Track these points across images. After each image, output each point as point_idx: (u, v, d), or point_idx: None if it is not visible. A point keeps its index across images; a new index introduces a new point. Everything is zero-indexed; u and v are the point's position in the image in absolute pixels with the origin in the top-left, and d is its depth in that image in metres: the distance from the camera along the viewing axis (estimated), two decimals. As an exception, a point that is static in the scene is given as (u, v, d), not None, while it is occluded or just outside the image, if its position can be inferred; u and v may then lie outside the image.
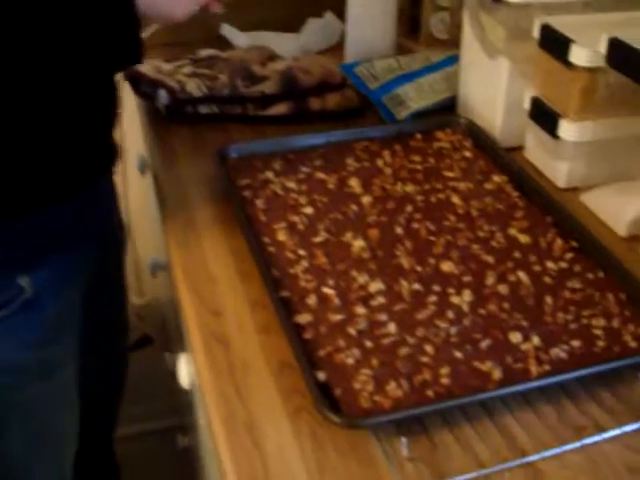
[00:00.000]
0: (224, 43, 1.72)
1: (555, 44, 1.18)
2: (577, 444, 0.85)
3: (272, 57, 1.54)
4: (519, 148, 1.37)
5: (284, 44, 1.69)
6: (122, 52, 1.03)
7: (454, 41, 1.51)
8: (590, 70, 1.14)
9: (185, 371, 1.12)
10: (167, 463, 1.97)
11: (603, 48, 1.09)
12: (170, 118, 1.43)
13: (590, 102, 1.17)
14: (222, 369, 0.94)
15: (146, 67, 1.46)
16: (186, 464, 1.68)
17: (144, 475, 2.04)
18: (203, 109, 1.44)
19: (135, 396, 2.04)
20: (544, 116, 1.24)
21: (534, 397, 0.90)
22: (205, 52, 1.58)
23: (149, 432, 2.24)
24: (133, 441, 2.19)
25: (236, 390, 0.91)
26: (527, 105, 1.28)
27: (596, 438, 0.86)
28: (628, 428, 0.87)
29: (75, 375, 1.19)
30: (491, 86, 1.35)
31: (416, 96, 1.45)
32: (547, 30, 1.20)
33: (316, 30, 1.74)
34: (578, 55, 1.13)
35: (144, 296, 2.15)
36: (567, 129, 1.20)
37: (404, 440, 0.83)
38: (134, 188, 1.94)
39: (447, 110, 1.48)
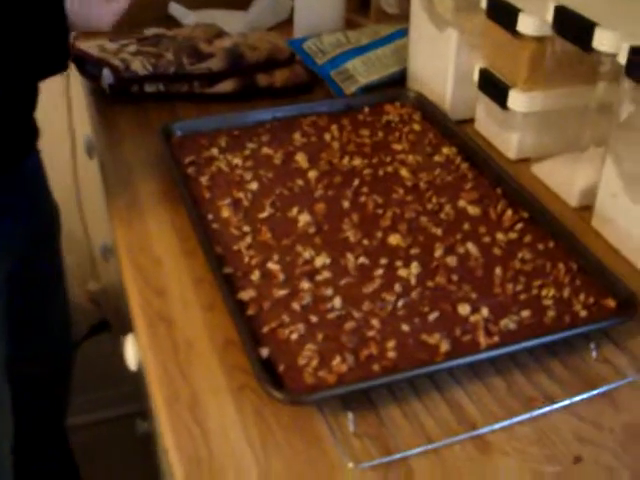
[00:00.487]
0: (172, 22, 1.69)
1: (503, 13, 1.16)
2: (527, 415, 0.84)
3: (219, 34, 1.52)
4: (470, 120, 1.36)
5: (232, 21, 1.66)
6: (49, 60, 1.03)
7: (404, 15, 1.48)
8: (538, 39, 1.13)
9: (132, 352, 1.10)
10: (129, 449, 1.96)
11: (550, 16, 1.07)
12: (115, 97, 1.40)
13: (539, 72, 1.15)
14: (166, 348, 0.92)
15: (90, 46, 1.43)
16: (147, 449, 1.67)
17: (106, 462, 2.02)
18: (149, 88, 1.41)
19: (95, 383, 2.03)
20: (493, 87, 1.23)
21: (483, 369, 0.89)
22: (151, 31, 1.55)
23: (111, 419, 2.22)
24: (95, 428, 2.18)
25: (179, 369, 0.89)
26: (476, 76, 1.26)
27: (546, 409, 0.85)
28: (578, 398, 0.86)
29: (1, 361, 1.16)
30: (440, 58, 1.34)
31: (365, 70, 1.43)
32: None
33: (265, 7, 1.71)
34: (525, 24, 1.12)
35: (100, 281, 2.12)
36: (516, 99, 1.18)
37: (350, 416, 0.81)
38: (85, 172, 1.92)
39: (397, 84, 1.46)
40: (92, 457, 1.89)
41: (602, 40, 1.00)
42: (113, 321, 2.09)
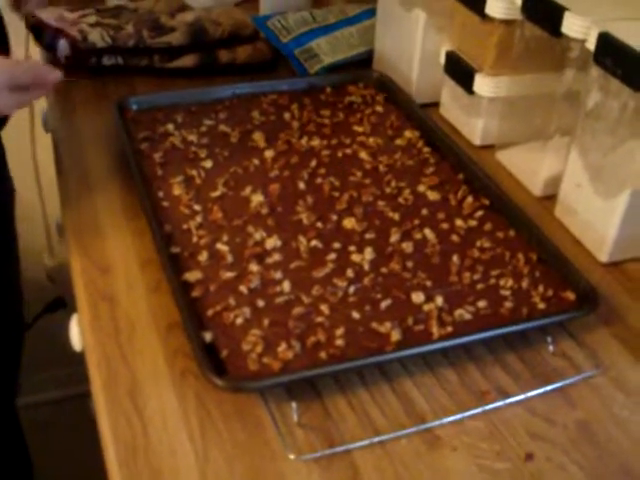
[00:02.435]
0: (136, -6, 1.65)
1: (471, -4, 1.14)
2: (479, 410, 0.81)
3: (182, 8, 1.47)
4: (435, 104, 1.33)
5: (198, -4, 1.62)
6: None
7: (373, -5, 1.45)
8: (506, 23, 1.11)
9: (76, 332, 1.06)
10: (82, 430, 1.92)
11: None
12: (70, 70, 1.35)
13: (506, 56, 1.13)
14: (107, 329, 0.88)
15: (49, 15, 1.39)
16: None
17: (59, 442, 1.98)
18: (107, 60, 1.37)
19: (50, 361, 1.98)
20: (459, 71, 1.20)
21: (435, 361, 0.86)
22: (113, 2, 1.51)
23: (65, 398, 2.18)
24: (48, 407, 2.14)
25: (120, 351, 0.85)
26: (442, 60, 1.23)
27: (499, 403, 0.82)
28: (532, 393, 0.83)
29: None
30: (407, 40, 1.30)
31: (330, 50, 1.40)
32: (463, -19, 1.15)
33: (231, -19, 1.67)
34: (494, 7, 1.09)
35: (56, 257, 2.08)
36: (482, 84, 1.16)
37: (294, 405, 0.78)
38: (44, 147, 1.87)
39: (363, 65, 1.43)
40: (44, 437, 1.85)
41: (571, 25, 0.98)
42: (69, 298, 2.05)
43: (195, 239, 0.96)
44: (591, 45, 0.95)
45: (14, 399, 1.57)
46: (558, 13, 0.99)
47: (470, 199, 1.06)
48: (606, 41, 0.92)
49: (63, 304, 2.07)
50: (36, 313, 2.01)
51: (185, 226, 0.98)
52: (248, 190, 1.04)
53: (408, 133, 1.19)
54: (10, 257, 1.37)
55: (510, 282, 0.93)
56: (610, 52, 0.92)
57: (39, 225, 2.02)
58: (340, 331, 0.84)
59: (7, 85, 0.93)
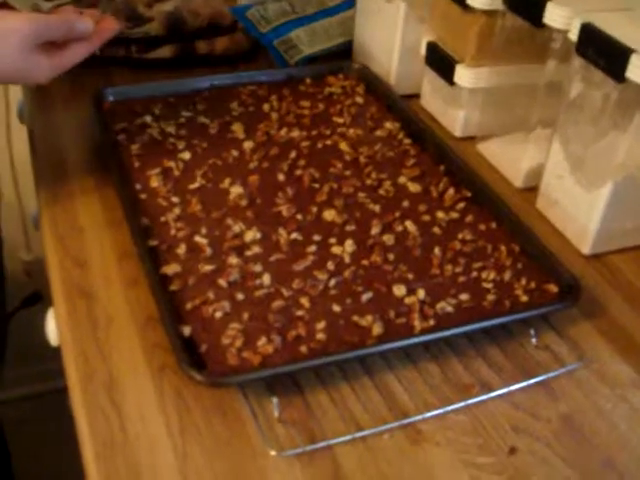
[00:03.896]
0: (113, -15, 1.63)
1: (452, -15, 1.12)
2: (462, 404, 0.80)
3: (160, -2, 1.46)
4: (415, 96, 1.31)
5: (176, -14, 1.60)
6: None
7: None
8: (488, 13, 1.09)
9: (52, 327, 1.04)
10: (62, 425, 1.90)
11: (501, -11, 1.04)
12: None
13: (487, 47, 1.12)
14: (84, 323, 0.86)
15: (23, 4, 1.37)
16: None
17: (39, 438, 1.97)
18: (83, 51, 1.35)
19: (28, 356, 1.97)
20: (440, 62, 1.19)
21: (417, 354, 0.85)
22: (89, -8, 1.49)
23: (44, 393, 2.17)
24: (27, 402, 2.12)
25: (98, 346, 0.84)
26: (423, 50, 1.22)
27: (482, 397, 0.81)
28: (515, 386, 0.83)
29: None
30: (387, 31, 1.29)
31: (309, 40, 1.38)
32: (444, -29, 1.14)
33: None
34: (476, -3, 1.08)
35: (32, 252, 2.06)
36: (463, 75, 1.14)
37: (275, 400, 0.77)
38: (20, 140, 1.85)
39: (343, 56, 1.41)
40: (23, 431, 1.83)
41: (553, 16, 0.97)
42: (46, 293, 2.03)
43: (173, 232, 0.94)
44: (573, 36, 0.94)
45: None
46: (540, 3, 0.98)
47: (451, 191, 1.05)
48: (589, 32, 0.91)
49: (40, 298, 2.06)
50: (13, 308, 2.00)
51: (163, 218, 0.96)
52: (227, 182, 1.03)
53: (389, 124, 1.18)
54: None
55: (492, 274, 0.92)
56: (592, 43, 0.91)
57: (16, 219, 1.99)
58: (321, 325, 0.83)
59: (36, 43, 0.87)
